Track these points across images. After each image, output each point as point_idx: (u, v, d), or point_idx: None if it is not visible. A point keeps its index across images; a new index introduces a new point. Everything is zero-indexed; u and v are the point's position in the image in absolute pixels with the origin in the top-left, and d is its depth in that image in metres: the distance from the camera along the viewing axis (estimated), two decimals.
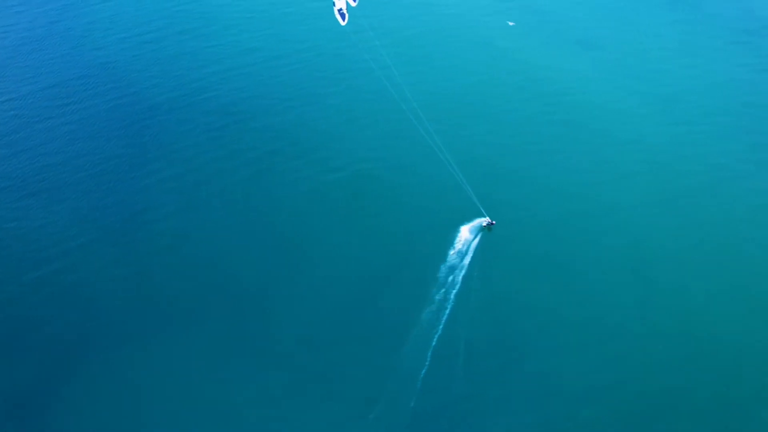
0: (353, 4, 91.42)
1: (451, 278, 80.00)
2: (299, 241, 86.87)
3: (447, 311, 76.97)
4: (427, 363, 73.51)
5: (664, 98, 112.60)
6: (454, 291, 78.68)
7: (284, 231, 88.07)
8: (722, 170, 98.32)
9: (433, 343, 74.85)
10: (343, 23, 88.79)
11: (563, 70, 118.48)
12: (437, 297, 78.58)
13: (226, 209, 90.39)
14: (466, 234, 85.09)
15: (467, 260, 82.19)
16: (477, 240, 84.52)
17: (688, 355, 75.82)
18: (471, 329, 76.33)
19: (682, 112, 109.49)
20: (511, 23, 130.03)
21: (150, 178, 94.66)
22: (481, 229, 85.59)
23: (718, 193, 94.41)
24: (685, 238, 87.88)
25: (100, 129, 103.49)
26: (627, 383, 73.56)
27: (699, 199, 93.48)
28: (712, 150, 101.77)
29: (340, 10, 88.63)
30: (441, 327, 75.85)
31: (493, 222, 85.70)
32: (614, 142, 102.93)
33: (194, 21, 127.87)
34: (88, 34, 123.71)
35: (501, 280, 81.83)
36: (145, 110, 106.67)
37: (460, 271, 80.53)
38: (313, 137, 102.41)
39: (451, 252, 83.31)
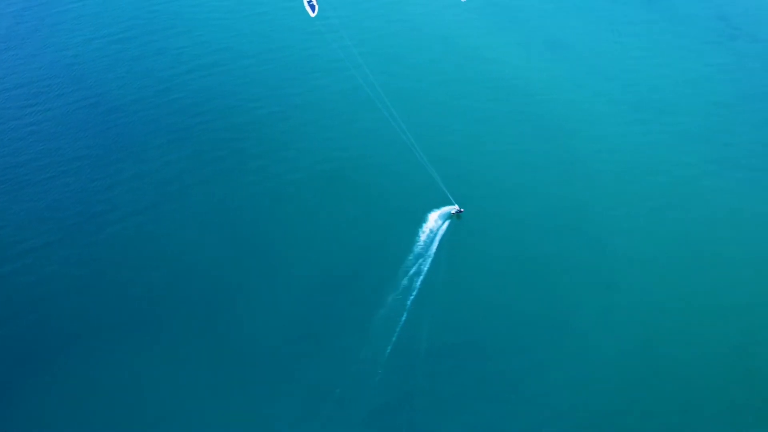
0: None
1: (407, 282, 78.98)
2: (267, 240, 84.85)
3: (405, 314, 75.74)
4: (385, 359, 72.10)
5: (633, 98, 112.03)
6: (411, 296, 77.66)
7: (250, 230, 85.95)
8: (690, 169, 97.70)
9: (392, 343, 73.72)
10: (312, 15, 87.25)
11: (534, 68, 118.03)
12: (392, 298, 77.39)
13: (190, 209, 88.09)
14: (435, 220, 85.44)
15: (433, 250, 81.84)
16: (445, 226, 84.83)
17: (650, 357, 74.55)
18: (432, 327, 74.92)
19: (652, 112, 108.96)
20: None
21: (113, 178, 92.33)
22: (450, 216, 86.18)
23: (684, 192, 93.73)
24: (652, 237, 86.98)
25: (64, 130, 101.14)
26: (588, 384, 72.19)
27: (666, 198, 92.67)
28: (680, 149, 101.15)
29: (309, 1, 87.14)
30: (398, 329, 74.60)
31: (462, 209, 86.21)
32: (583, 140, 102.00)
33: (163, 21, 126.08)
34: (54, 34, 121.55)
35: (466, 276, 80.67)
36: (111, 111, 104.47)
37: (419, 275, 79.65)
38: (282, 136, 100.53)
39: (420, 238, 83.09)
